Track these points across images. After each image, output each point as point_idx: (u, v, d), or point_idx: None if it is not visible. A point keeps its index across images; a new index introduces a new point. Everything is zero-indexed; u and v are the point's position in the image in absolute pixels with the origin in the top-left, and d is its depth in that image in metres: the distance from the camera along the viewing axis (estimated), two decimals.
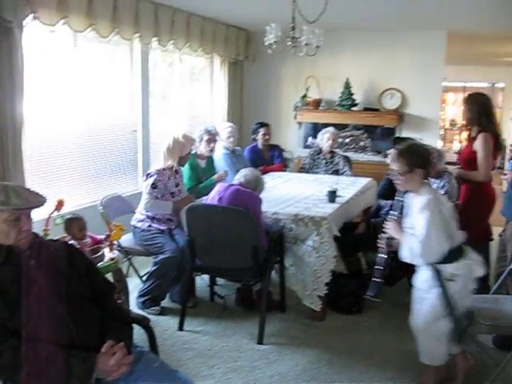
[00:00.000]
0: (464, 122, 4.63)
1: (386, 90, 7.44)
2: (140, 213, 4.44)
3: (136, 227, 4.42)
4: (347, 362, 3.64)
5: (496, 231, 4.69)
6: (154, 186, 4.34)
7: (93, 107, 5.25)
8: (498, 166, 4.56)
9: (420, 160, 3.13)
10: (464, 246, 3.16)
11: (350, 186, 5.48)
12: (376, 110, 7.49)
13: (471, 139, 4.49)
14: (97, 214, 4.33)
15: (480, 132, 4.39)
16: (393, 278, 4.76)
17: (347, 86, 7.40)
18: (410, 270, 4.56)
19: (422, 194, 3.07)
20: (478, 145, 4.39)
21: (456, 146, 14.62)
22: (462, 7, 5.69)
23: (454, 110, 14.98)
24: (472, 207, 4.45)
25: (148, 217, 4.39)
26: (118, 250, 4.03)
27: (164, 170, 4.47)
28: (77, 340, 2.04)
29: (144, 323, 2.51)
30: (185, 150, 4.63)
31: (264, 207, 4.05)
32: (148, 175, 4.42)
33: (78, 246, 3.23)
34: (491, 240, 4.60)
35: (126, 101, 5.73)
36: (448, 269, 3.04)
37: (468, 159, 4.52)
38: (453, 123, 15.25)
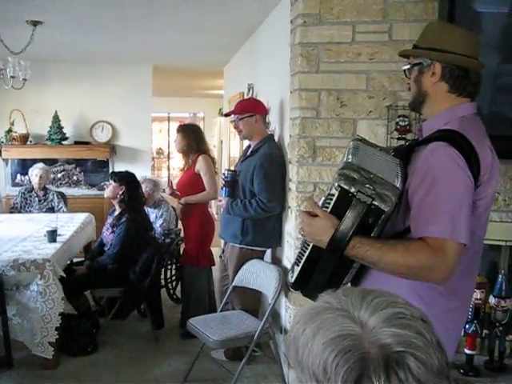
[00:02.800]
0: (180, 151, 4.73)
1: (97, 122, 7.43)
2: None
3: None
4: None
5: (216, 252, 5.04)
6: None
7: None
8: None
9: None
10: None
11: (69, 223, 5.30)
12: (87, 143, 7.42)
13: (192, 163, 4.55)
14: None
15: (199, 154, 4.54)
16: (124, 311, 4.75)
17: (56, 119, 7.19)
18: (139, 301, 4.66)
19: None
20: (200, 166, 4.50)
21: (164, 173, 15.24)
22: (165, 44, 6.02)
23: (160, 138, 15.61)
24: (198, 237, 4.58)
25: None
26: None
27: None
28: None
29: None
30: None
31: None
32: None
33: None
34: (214, 265, 4.79)
35: None
36: None
37: (190, 182, 4.57)
38: (160, 152, 15.88)
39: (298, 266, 1.76)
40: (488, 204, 1.76)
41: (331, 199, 1.64)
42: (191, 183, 4.57)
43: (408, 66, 1.84)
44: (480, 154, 1.65)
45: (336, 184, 1.59)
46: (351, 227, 1.59)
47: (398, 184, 1.63)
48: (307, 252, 1.73)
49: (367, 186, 1.56)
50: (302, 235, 1.79)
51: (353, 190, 1.56)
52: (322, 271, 1.67)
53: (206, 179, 4.50)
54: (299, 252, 1.79)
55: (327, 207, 1.66)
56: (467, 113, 1.76)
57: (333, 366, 0.83)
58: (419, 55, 1.79)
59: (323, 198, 1.73)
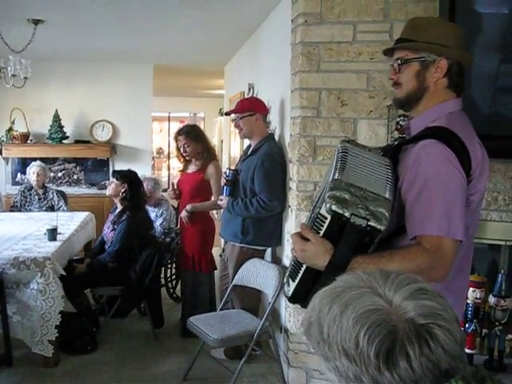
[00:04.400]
0: (194, 157, 4.48)
1: (97, 121, 7.44)
2: None
3: None
4: None
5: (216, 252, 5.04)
6: None
7: None
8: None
9: None
10: None
11: (69, 222, 5.31)
12: (87, 142, 7.43)
13: (203, 169, 4.44)
14: None
15: (211, 160, 4.47)
16: (124, 310, 4.75)
17: (57, 118, 7.20)
18: (138, 300, 4.65)
19: None
20: (210, 174, 4.43)
21: (164, 173, 15.23)
22: (166, 44, 6.03)
23: (160, 138, 15.61)
24: (200, 242, 4.49)
25: None
26: None
27: None
28: None
29: None
30: None
31: None
32: None
33: None
34: (216, 269, 4.72)
35: None
36: None
37: (199, 188, 4.45)
38: (160, 151, 15.88)
39: (293, 281, 1.73)
40: (480, 199, 1.77)
41: (323, 222, 1.58)
42: (200, 189, 4.47)
43: (405, 59, 1.76)
44: (470, 149, 1.65)
45: (328, 206, 1.52)
46: (347, 252, 1.56)
47: (388, 194, 1.60)
48: (302, 270, 1.69)
49: (360, 206, 1.52)
50: (295, 257, 1.74)
51: (347, 214, 1.50)
52: (321, 286, 1.66)
53: (215, 188, 4.41)
54: (293, 266, 1.76)
55: (319, 229, 1.61)
56: (454, 109, 1.77)
57: (365, 340, 0.86)
58: (424, 49, 1.74)
59: (312, 216, 1.68)
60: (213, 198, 4.44)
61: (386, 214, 1.53)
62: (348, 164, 1.66)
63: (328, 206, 1.52)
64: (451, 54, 1.73)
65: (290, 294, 1.74)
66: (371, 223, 1.50)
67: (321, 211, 1.58)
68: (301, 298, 1.70)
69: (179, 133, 4.54)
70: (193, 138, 4.44)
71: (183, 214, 4.44)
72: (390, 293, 0.91)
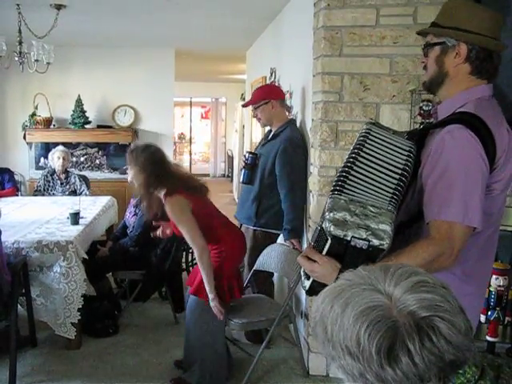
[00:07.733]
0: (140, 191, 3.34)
1: (119, 106, 7.47)
2: None
3: None
4: None
5: None
6: None
7: None
8: None
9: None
10: None
11: (91, 206, 5.35)
12: (109, 127, 7.46)
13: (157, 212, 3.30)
14: None
15: (166, 196, 3.18)
16: (145, 294, 4.79)
17: (79, 103, 7.24)
18: (160, 284, 4.68)
19: None
20: (170, 215, 3.18)
21: (186, 157, 15.33)
22: (188, 28, 6.02)
23: (182, 124, 15.69)
24: None
25: None
26: None
27: None
28: None
29: None
30: None
31: (2, 237, 3.72)
32: None
33: None
34: None
35: None
36: None
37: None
38: (181, 136, 15.97)
39: (308, 279, 1.72)
40: (504, 186, 1.73)
41: (325, 240, 1.56)
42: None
43: (429, 43, 1.76)
44: (496, 136, 1.62)
45: (327, 230, 1.50)
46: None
47: (392, 206, 1.55)
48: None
49: (361, 226, 1.48)
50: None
51: (347, 237, 1.47)
52: None
53: (187, 236, 3.19)
54: None
55: (323, 247, 1.58)
56: (483, 94, 1.73)
57: (365, 337, 0.87)
58: (444, 34, 1.72)
59: (316, 231, 1.67)
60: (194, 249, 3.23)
61: (389, 229, 1.49)
62: (362, 154, 1.63)
63: (328, 229, 1.49)
64: (472, 38, 1.68)
65: (306, 288, 1.75)
66: (373, 244, 1.47)
67: (323, 225, 1.55)
68: (318, 291, 1.70)
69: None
70: (134, 160, 3.31)
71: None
72: (390, 287, 0.92)
